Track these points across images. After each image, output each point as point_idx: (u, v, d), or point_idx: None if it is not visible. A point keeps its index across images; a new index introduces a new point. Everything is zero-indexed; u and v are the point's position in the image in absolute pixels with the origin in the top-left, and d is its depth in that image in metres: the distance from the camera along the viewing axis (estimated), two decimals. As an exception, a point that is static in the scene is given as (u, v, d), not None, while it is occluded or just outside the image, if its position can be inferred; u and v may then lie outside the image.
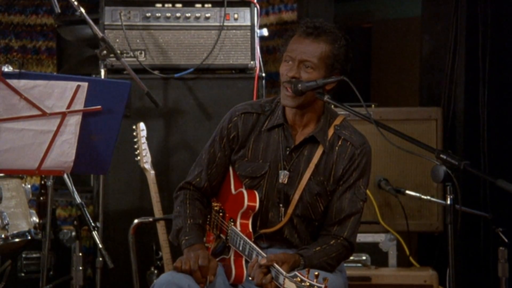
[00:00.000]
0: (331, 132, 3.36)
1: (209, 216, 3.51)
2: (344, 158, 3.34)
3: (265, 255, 3.12)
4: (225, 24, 4.70)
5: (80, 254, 3.69)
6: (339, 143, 3.35)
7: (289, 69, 3.30)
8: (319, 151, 3.34)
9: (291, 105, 3.31)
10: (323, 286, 2.85)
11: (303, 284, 2.88)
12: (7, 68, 3.67)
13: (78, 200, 3.70)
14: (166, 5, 4.70)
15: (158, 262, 4.42)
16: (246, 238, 3.24)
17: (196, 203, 3.44)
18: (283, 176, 3.35)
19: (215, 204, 3.49)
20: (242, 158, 3.41)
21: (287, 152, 3.36)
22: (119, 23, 4.64)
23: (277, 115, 3.39)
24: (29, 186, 4.16)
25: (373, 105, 4.83)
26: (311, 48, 3.28)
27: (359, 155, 3.34)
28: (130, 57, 4.63)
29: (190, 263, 3.19)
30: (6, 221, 3.91)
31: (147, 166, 4.36)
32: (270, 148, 3.38)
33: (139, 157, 4.37)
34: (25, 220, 4.03)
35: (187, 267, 3.19)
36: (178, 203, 3.46)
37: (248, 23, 4.73)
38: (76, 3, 4.29)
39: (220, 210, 3.44)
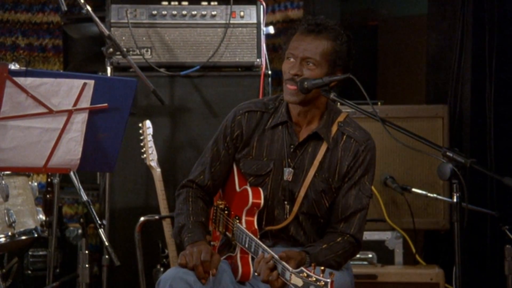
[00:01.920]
0: (334, 128, 3.36)
1: (214, 214, 3.51)
2: (349, 155, 3.34)
3: (271, 251, 3.12)
4: (231, 22, 4.70)
5: (87, 251, 3.70)
6: (343, 139, 3.35)
7: (292, 67, 3.30)
8: (323, 148, 3.34)
9: (294, 101, 3.31)
10: (329, 280, 2.85)
11: (309, 279, 2.88)
12: (13, 66, 3.68)
13: (85, 197, 3.71)
14: (172, 2, 4.70)
15: (164, 260, 4.42)
16: (251, 235, 3.24)
17: (198, 201, 3.44)
18: (288, 174, 3.36)
19: (220, 202, 3.49)
20: (247, 157, 3.41)
21: (291, 149, 3.36)
22: (125, 21, 4.64)
23: (280, 112, 3.39)
24: (35, 183, 4.16)
25: (379, 103, 4.82)
26: (313, 46, 3.28)
27: (364, 151, 3.34)
28: (136, 54, 4.64)
29: (192, 258, 3.19)
30: (13, 219, 3.91)
31: (153, 163, 4.36)
32: (275, 145, 3.38)
33: (145, 155, 4.37)
34: (31, 218, 4.04)
35: (191, 264, 3.19)
36: (181, 200, 3.46)
37: (254, 21, 4.73)
38: (82, 1, 4.30)
39: (225, 208, 3.44)
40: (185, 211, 3.40)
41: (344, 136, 3.36)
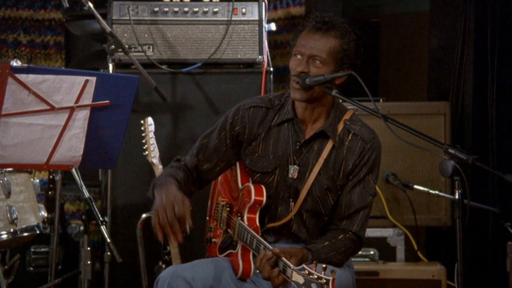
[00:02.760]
0: (341, 126, 3.36)
1: (215, 211, 3.51)
2: (354, 153, 3.33)
3: (272, 248, 3.12)
4: (233, 18, 4.69)
5: (88, 248, 3.70)
6: (349, 137, 3.35)
7: (298, 64, 3.30)
8: (328, 146, 3.34)
9: (299, 99, 3.31)
10: (331, 278, 2.85)
11: (311, 276, 2.88)
12: (15, 63, 3.68)
13: (86, 194, 3.72)
14: (174, -1, 4.70)
15: (166, 257, 4.42)
16: (253, 233, 3.24)
17: (180, 170, 3.38)
18: (293, 171, 3.35)
19: (222, 199, 3.49)
20: (253, 154, 3.41)
21: (297, 147, 3.36)
22: (127, 18, 4.64)
23: (286, 109, 3.39)
24: (37, 180, 4.17)
25: (381, 100, 4.82)
26: (320, 43, 3.28)
27: (369, 149, 3.34)
28: (138, 51, 4.63)
29: (166, 214, 3.07)
30: (15, 216, 3.92)
31: (155, 160, 4.36)
32: (280, 143, 3.38)
33: (147, 152, 4.37)
34: (33, 215, 4.04)
35: (164, 220, 3.07)
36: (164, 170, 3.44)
37: (256, 18, 4.72)
38: (84, -2, 4.29)
39: (227, 205, 3.45)
40: (163, 173, 3.39)
41: (350, 134, 3.36)
